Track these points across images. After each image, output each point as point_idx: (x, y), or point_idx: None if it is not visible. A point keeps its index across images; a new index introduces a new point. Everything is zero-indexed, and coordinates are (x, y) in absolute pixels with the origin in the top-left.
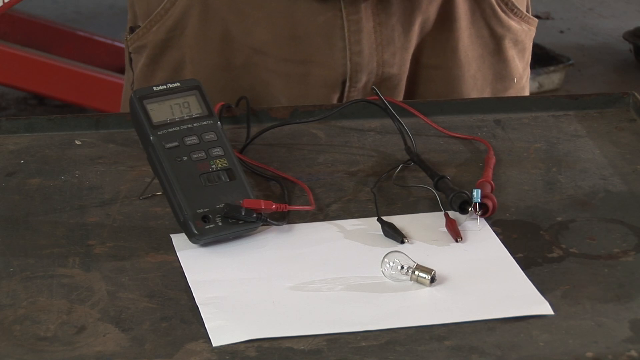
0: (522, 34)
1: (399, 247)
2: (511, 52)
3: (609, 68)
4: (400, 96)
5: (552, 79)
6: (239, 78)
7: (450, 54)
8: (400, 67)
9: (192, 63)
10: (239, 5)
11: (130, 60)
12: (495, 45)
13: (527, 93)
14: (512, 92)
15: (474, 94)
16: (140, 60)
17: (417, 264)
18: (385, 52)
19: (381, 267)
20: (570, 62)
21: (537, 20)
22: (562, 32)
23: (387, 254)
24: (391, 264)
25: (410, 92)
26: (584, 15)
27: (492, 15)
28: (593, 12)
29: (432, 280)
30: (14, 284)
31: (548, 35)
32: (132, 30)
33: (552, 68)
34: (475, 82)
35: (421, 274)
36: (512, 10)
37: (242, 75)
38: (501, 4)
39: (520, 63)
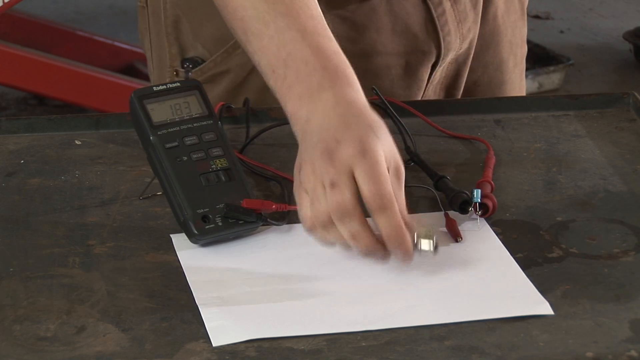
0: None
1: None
2: (526, 17)
3: (609, 68)
4: (467, 70)
5: (552, 79)
6: None
7: (491, 21)
8: (472, 40)
9: None
10: (338, 10)
11: None
12: (521, 10)
13: None
14: (524, 56)
15: (510, 59)
16: (217, 88)
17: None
18: (463, 28)
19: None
20: (570, 62)
21: None
22: (562, 32)
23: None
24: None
25: None
26: (584, 15)
27: None
28: (593, 12)
29: (436, 248)
30: (14, 284)
31: (548, 35)
32: (192, 61)
33: (552, 68)
34: (511, 48)
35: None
36: None
37: None
38: None
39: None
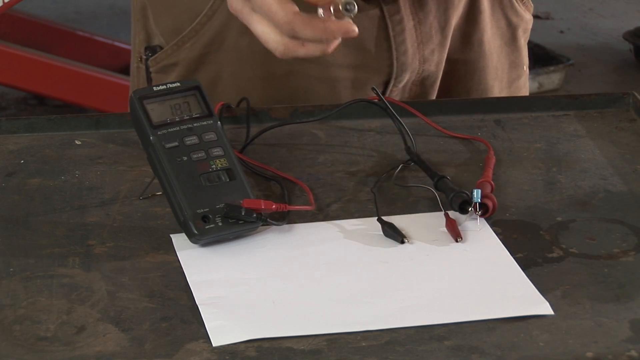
0: (530, 23)
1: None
2: (522, 41)
3: (609, 68)
4: (434, 93)
5: (552, 79)
6: (279, 88)
7: (476, 47)
8: (438, 64)
9: (231, 77)
10: None
11: (150, 80)
12: (510, 34)
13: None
14: (522, 80)
15: (496, 85)
16: (167, 80)
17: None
18: (425, 50)
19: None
20: (570, 62)
21: (532, 6)
22: (562, 32)
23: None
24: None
25: (441, 89)
26: (584, 15)
27: (509, 6)
28: (593, 12)
29: (347, 7)
30: (14, 284)
31: (548, 35)
32: (152, 49)
33: (552, 68)
34: (496, 73)
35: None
36: (523, 0)
37: (283, 84)
38: None
39: (525, 50)
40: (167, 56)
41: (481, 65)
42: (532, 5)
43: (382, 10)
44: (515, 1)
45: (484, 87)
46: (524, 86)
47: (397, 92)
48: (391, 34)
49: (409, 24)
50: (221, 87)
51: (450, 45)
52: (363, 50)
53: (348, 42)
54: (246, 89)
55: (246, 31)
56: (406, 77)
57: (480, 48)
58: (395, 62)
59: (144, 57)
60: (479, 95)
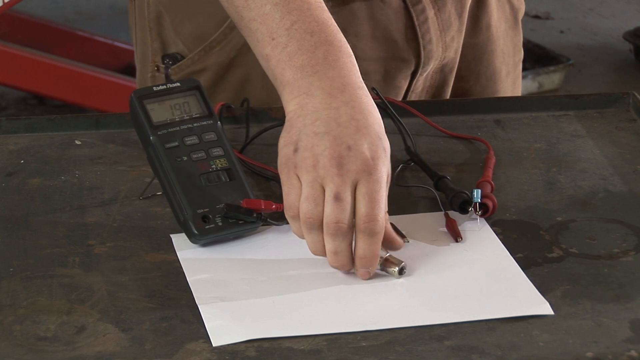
0: (523, 6)
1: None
2: (520, 25)
3: (609, 68)
4: (452, 79)
5: (552, 79)
6: None
7: (485, 31)
8: (457, 50)
9: (261, 78)
10: None
11: None
12: (513, 18)
13: None
14: (521, 64)
15: (503, 68)
16: None
17: (389, 255)
18: (447, 37)
19: None
20: (570, 62)
21: None
22: (562, 32)
23: None
24: None
25: (456, 74)
26: (584, 15)
27: None
28: (593, 12)
29: (401, 272)
30: (14, 284)
31: (548, 35)
32: (172, 57)
33: (552, 68)
34: (503, 57)
35: (389, 268)
36: None
37: None
38: None
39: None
40: (194, 62)
41: (489, 48)
42: None
43: (404, 1)
44: None
45: (492, 70)
46: (520, 70)
47: (421, 81)
48: (416, 23)
49: (430, 12)
50: (250, 89)
51: (465, 30)
52: (392, 42)
53: (377, 35)
54: (275, 90)
55: None
56: (430, 65)
57: (488, 31)
58: (422, 51)
59: (163, 65)
60: (488, 79)
